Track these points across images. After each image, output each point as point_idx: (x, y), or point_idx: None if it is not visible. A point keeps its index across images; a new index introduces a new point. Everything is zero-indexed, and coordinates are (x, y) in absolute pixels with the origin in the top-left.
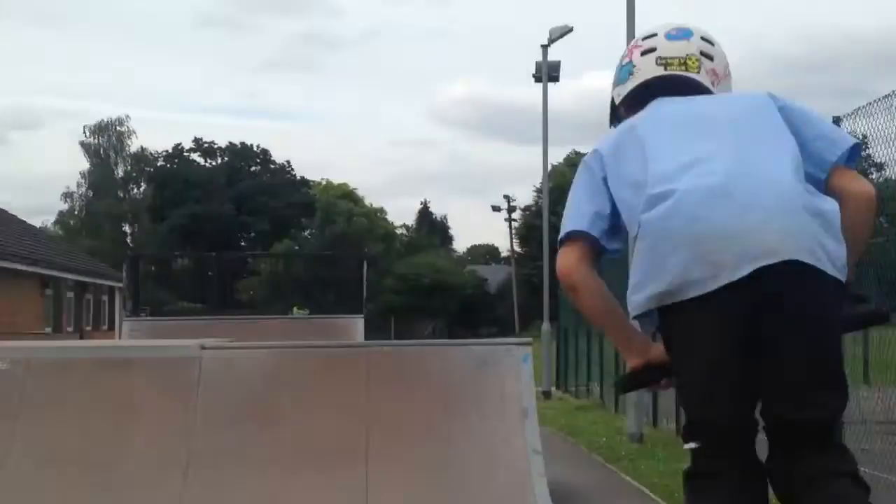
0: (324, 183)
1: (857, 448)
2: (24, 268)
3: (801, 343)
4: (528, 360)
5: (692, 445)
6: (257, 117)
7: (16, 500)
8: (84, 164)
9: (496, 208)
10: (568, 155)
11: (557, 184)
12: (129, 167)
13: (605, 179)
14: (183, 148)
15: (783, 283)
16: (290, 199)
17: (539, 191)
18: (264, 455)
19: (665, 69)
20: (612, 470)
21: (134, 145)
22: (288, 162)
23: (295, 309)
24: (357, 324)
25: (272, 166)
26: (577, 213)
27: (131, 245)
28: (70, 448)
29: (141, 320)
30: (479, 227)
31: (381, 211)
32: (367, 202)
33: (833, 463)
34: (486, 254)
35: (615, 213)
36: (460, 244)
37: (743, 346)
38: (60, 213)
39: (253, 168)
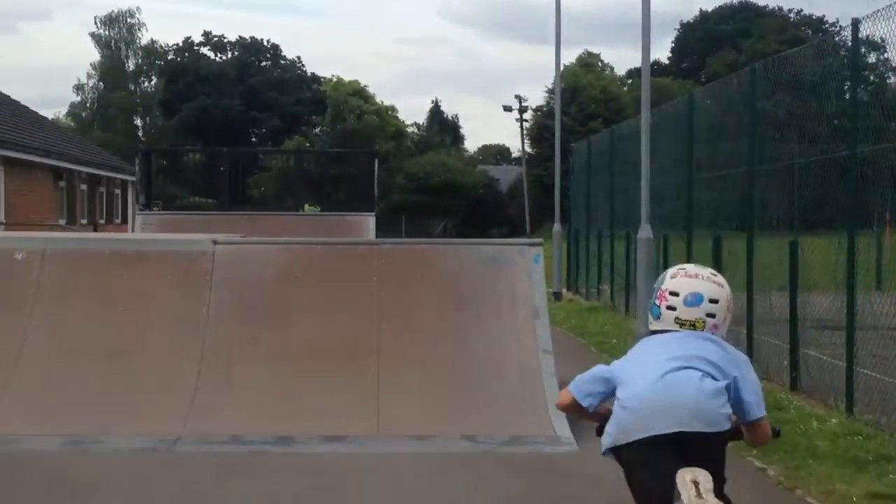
0: (335, 80)
1: (869, 354)
2: (37, 159)
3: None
4: (539, 260)
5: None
6: (268, 12)
7: (32, 388)
8: (95, 55)
9: (507, 108)
10: (580, 55)
11: (569, 84)
12: (139, 60)
13: (606, 380)
14: (193, 42)
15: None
16: (301, 95)
17: (551, 91)
18: (277, 349)
19: (680, 327)
20: None
21: (144, 38)
22: (298, 58)
23: (307, 206)
24: (368, 221)
25: (283, 62)
26: (581, 386)
27: (143, 139)
28: (85, 339)
29: (153, 214)
30: (490, 126)
31: (392, 109)
32: (377, 100)
33: None
34: (497, 154)
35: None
36: (471, 144)
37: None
38: (72, 105)
39: (263, 63)
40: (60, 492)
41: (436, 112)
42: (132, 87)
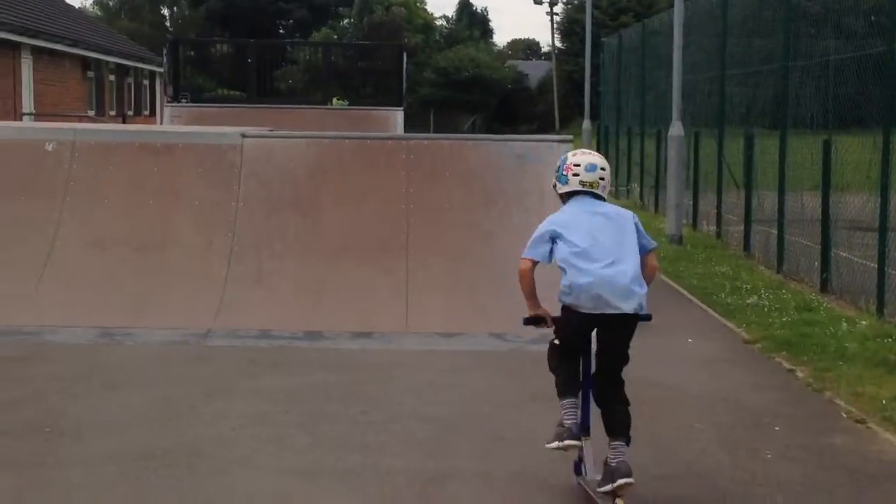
0: None
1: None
2: (65, 49)
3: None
4: None
5: (556, 341)
6: None
7: (64, 280)
8: None
9: (538, 1)
10: None
11: None
12: None
13: (552, 237)
14: None
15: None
16: None
17: None
18: (305, 244)
19: (582, 186)
20: None
21: None
22: None
23: (335, 100)
24: (397, 116)
25: None
26: (534, 249)
27: (170, 29)
28: (116, 231)
29: (182, 106)
30: (520, 20)
31: (421, 1)
32: None
33: (619, 390)
34: (526, 48)
35: (551, 251)
36: (501, 38)
37: (589, 330)
38: None
39: None
40: (92, 382)
41: (465, 4)
42: None
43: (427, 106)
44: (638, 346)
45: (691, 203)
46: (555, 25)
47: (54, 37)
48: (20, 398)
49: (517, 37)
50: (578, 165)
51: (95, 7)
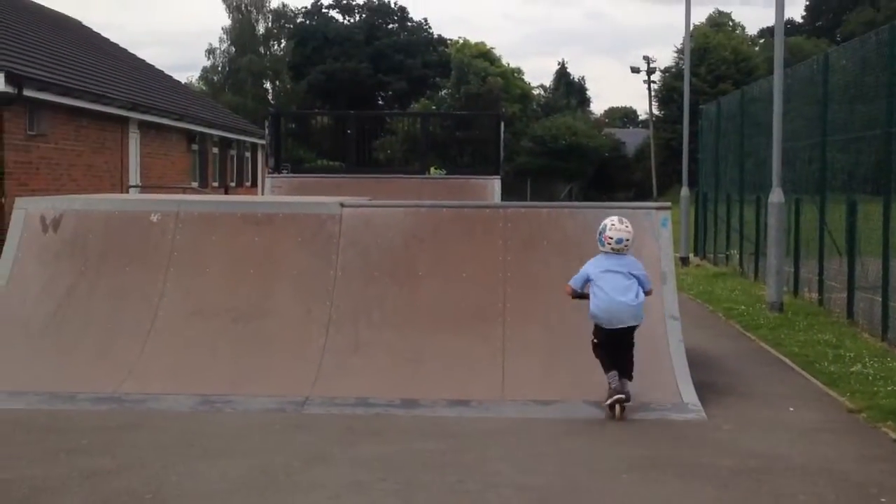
0: (461, 42)
1: None
2: (172, 123)
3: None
4: (667, 223)
5: (595, 341)
6: None
7: (167, 349)
8: (226, 20)
9: (635, 70)
10: (710, 14)
11: (699, 45)
12: (269, 23)
13: (587, 278)
14: (322, 4)
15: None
16: (428, 57)
17: (680, 51)
18: (403, 312)
19: (612, 251)
20: (750, 338)
21: (274, 1)
22: (425, 19)
23: (432, 169)
24: (494, 184)
25: (410, 24)
26: (577, 280)
27: (272, 102)
28: (217, 300)
29: (282, 177)
30: (617, 88)
31: (518, 71)
32: (503, 62)
33: (630, 356)
34: (623, 116)
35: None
36: (598, 106)
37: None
38: (204, 70)
39: (391, 26)
40: (193, 449)
41: (562, 74)
42: (262, 51)
43: (524, 174)
44: (737, 414)
45: (792, 270)
46: (652, 93)
47: (161, 111)
48: (123, 465)
49: (614, 105)
50: (612, 239)
51: (200, 82)
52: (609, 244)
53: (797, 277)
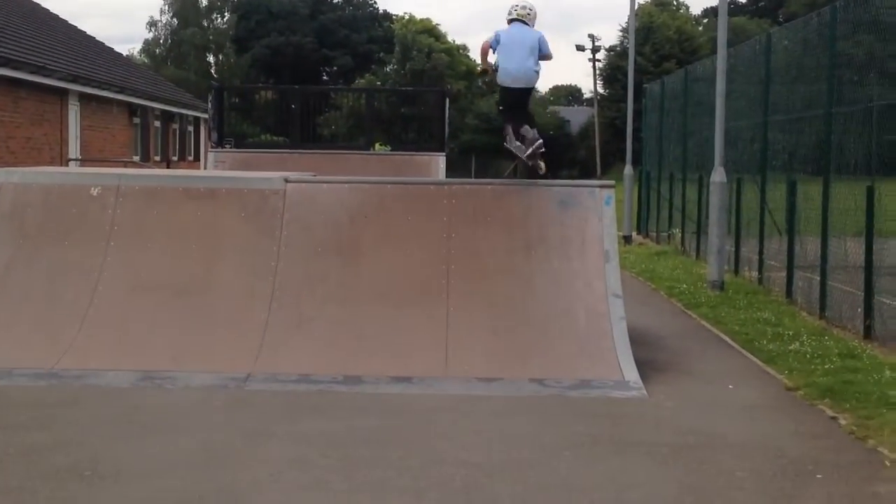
0: (406, 17)
1: None
2: (113, 95)
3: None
4: (610, 202)
5: (501, 108)
6: None
7: (106, 324)
8: None
9: (580, 48)
10: None
11: (643, 24)
12: None
13: (497, 41)
14: None
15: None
16: (373, 33)
17: (625, 30)
18: (346, 288)
19: (518, 18)
20: (691, 316)
21: None
22: None
23: (377, 145)
24: (438, 161)
25: None
26: (492, 40)
27: (215, 76)
28: (158, 275)
29: (226, 151)
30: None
31: (464, 48)
32: (449, 38)
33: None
34: (568, 94)
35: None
36: (542, 84)
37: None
38: (146, 42)
39: (336, 0)
40: (134, 426)
41: None
42: (205, 24)
43: (469, 151)
44: (678, 392)
45: (733, 249)
46: (597, 72)
47: (102, 83)
48: (62, 441)
49: (559, 83)
50: (516, 7)
51: (142, 55)
52: (515, 12)
53: (738, 256)
